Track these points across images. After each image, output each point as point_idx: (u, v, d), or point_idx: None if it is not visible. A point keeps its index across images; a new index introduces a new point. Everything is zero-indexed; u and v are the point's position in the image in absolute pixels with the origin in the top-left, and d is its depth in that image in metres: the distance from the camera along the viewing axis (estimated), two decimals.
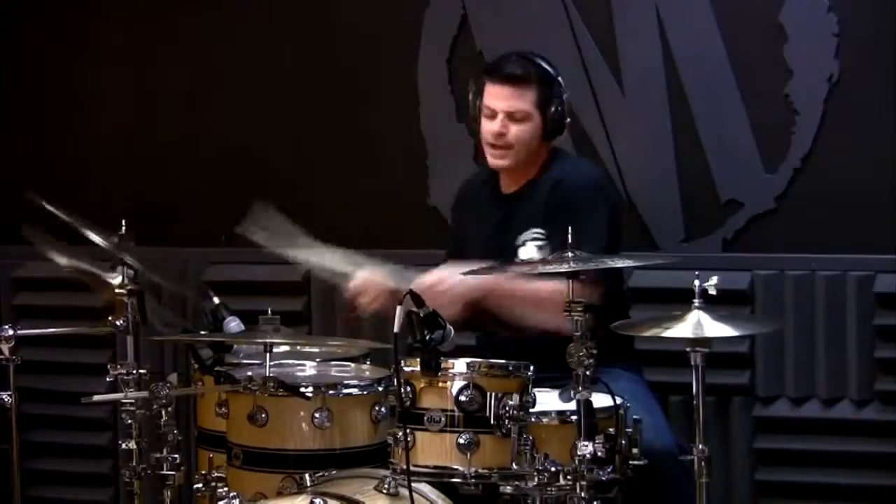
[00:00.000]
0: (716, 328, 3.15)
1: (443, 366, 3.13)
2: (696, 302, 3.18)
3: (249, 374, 3.45)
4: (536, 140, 3.80)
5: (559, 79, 3.83)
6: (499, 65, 3.84)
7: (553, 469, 3.10)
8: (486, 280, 3.56)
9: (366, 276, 3.75)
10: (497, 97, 3.79)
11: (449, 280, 3.58)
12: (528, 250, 3.75)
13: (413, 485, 3.09)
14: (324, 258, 3.77)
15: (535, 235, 3.76)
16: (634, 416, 3.28)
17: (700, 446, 3.13)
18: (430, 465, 3.14)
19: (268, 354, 3.46)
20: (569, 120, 3.87)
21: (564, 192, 3.76)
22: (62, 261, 3.69)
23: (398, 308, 3.08)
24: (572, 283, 3.12)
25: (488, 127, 3.80)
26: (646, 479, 3.33)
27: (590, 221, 3.67)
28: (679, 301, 3.24)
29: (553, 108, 3.79)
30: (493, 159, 3.83)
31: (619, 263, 3.50)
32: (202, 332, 3.88)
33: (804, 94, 4.21)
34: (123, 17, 4.90)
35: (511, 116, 3.77)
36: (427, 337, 3.09)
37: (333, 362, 3.81)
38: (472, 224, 3.97)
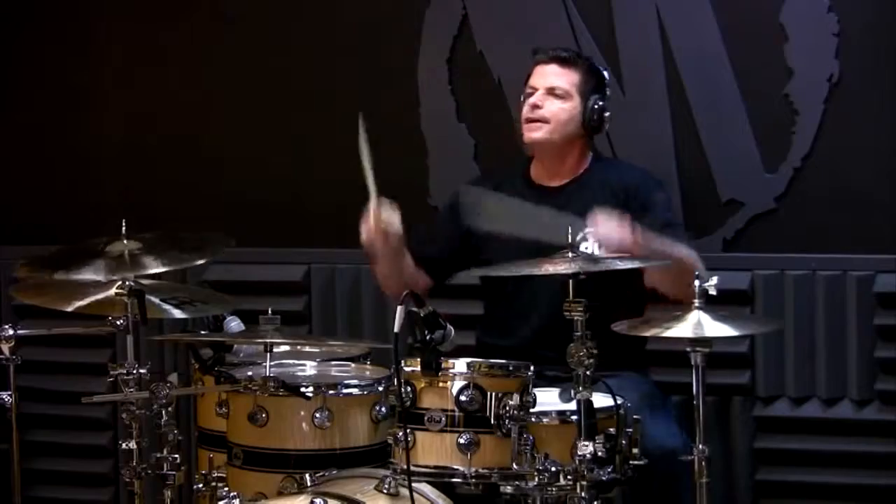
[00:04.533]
0: (716, 328, 3.15)
1: (443, 366, 3.13)
2: (697, 302, 3.18)
3: (249, 373, 3.45)
4: (574, 125, 3.86)
5: (607, 79, 3.94)
6: (545, 48, 3.96)
7: (553, 469, 3.10)
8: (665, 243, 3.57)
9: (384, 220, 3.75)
10: (541, 75, 3.90)
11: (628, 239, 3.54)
12: (589, 246, 3.76)
13: (413, 485, 3.10)
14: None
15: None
16: (635, 416, 3.28)
17: (700, 446, 3.14)
18: (431, 465, 3.15)
19: (268, 354, 3.46)
20: (608, 118, 3.91)
21: (630, 189, 3.85)
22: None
23: (398, 308, 3.08)
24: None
25: (527, 102, 3.89)
26: (655, 477, 3.34)
27: (665, 207, 3.86)
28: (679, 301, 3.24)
29: (594, 101, 3.87)
30: (528, 132, 3.89)
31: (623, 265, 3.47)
32: (202, 332, 3.88)
33: (804, 94, 4.21)
34: (123, 18, 4.89)
35: (551, 91, 3.87)
36: (427, 337, 3.10)
37: (333, 362, 3.81)
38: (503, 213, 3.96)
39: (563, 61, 3.90)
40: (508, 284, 3.83)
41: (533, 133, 3.88)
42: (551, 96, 3.86)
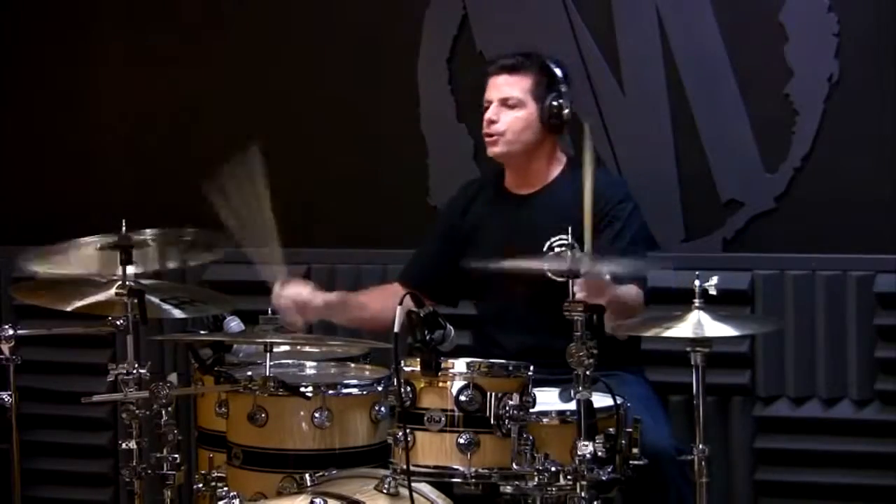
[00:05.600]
0: (716, 328, 3.16)
1: (443, 366, 3.13)
2: (697, 302, 3.18)
3: (249, 373, 3.45)
4: (533, 130, 3.84)
5: (560, 72, 3.86)
6: (494, 59, 3.94)
7: (553, 469, 3.10)
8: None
9: (293, 294, 3.80)
10: (493, 87, 3.87)
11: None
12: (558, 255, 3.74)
13: (413, 485, 3.10)
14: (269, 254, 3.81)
15: (563, 241, 3.73)
16: (635, 416, 3.27)
17: (700, 446, 3.14)
18: (430, 465, 3.15)
19: (268, 354, 3.46)
20: (569, 115, 3.84)
21: (595, 197, 3.75)
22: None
23: (398, 308, 3.08)
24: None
25: (484, 118, 3.86)
26: (645, 479, 3.33)
27: (628, 232, 3.77)
28: (679, 301, 3.25)
29: (550, 99, 3.83)
30: (488, 147, 3.88)
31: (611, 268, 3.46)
32: (202, 332, 3.88)
33: (804, 94, 4.21)
34: (123, 18, 4.89)
35: (504, 103, 3.84)
36: (427, 337, 3.10)
37: (333, 362, 3.81)
38: (482, 223, 3.95)
39: (512, 69, 3.85)
40: (494, 303, 3.86)
41: (492, 148, 3.86)
42: (505, 107, 3.83)
